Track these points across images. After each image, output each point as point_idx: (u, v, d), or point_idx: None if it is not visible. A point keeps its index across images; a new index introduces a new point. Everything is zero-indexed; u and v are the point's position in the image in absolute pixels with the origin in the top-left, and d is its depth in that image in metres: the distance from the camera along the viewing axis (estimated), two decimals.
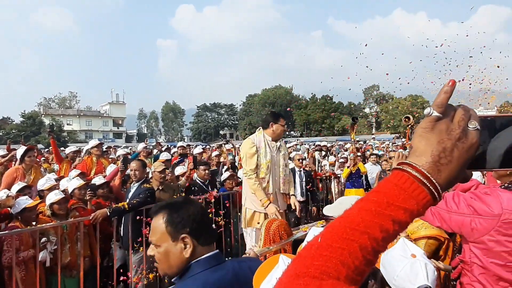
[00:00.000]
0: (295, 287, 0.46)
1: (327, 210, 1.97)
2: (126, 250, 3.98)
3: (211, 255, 1.21)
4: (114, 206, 3.80)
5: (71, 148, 6.51)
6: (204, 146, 12.29)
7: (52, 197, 3.55)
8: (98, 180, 4.43)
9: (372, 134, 38.49)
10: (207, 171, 5.10)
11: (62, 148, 10.79)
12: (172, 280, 1.22)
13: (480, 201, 1.38)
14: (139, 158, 6.06)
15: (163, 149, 8.67)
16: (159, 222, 1.21)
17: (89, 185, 4.30)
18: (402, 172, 0.51)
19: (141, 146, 7.84)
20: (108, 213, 3.63)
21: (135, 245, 3.85)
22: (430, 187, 0.49)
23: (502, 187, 1.44)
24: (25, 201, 3.38)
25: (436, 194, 0.49)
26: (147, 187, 4.03)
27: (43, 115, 52.72)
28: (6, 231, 3.05)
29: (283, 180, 3.52)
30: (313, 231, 1.35)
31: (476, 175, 3.06)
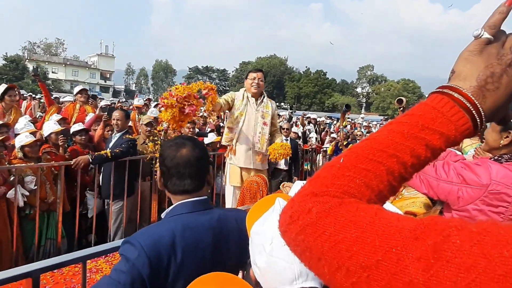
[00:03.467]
0: (313, 204, 0.42)
1: None
2: (107, 199, 3.96)
3: (199, 200, 1.20)
4: (96, 153, 3.73)
5: (69, 98, 6.29)
6: None
7: (23, 139, 3.43)
8: (76, 126, 4.32)
9: (361, 114, 38.74)
10: (191, 130, 5.11)
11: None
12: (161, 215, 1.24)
13: (470, 171, 1.39)
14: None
15: (153, 105, 8.49)
16: None
17: (63, 130, 4.19)
18: (442, 95, 0.46)
19: (136, 101, 7.57)
20: (90, 160, 3.56)
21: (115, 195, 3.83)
22: (474, 112, 0.44)
23: (492, 159, 1.44)
24: None
25: (478, 121, 0.45)
26: (129, 138, 3.96)
27: (27, 60, 50.59)
28: None
29: (258, 137, 3.37)
30: (298, 183, 1.32)
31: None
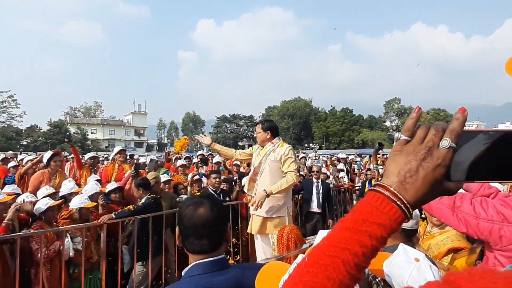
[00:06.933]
0: None
1: None
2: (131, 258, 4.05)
3: (215, 260, 1.20)
4: (120, 210, 3.93)
5: (88, 155, 6.65)
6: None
7: (84, 201, 3.77)
8: (110, 186, 4.59)
9: None
10: (217, 180, 5.11)
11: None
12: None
13: (510, 209, 1.34)
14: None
15: (183, 157, 8.73)
16: None
17: (103, 192, 4.47)
18: (374, 192, 0.56)
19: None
20: (114, 216, 3.71)
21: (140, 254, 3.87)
22: (399, 203, 0.53)
23: None
24: (47, 201, 3.52)
25: (406, 210, 0.53)
26: (152, 196, 4.15)
27: (69, 124, 54.59)
28: (36, 231, 3.18)
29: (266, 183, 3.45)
30: (321, 234, 1.34)
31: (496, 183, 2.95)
